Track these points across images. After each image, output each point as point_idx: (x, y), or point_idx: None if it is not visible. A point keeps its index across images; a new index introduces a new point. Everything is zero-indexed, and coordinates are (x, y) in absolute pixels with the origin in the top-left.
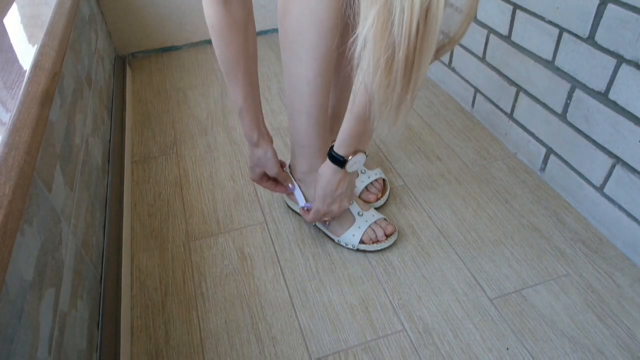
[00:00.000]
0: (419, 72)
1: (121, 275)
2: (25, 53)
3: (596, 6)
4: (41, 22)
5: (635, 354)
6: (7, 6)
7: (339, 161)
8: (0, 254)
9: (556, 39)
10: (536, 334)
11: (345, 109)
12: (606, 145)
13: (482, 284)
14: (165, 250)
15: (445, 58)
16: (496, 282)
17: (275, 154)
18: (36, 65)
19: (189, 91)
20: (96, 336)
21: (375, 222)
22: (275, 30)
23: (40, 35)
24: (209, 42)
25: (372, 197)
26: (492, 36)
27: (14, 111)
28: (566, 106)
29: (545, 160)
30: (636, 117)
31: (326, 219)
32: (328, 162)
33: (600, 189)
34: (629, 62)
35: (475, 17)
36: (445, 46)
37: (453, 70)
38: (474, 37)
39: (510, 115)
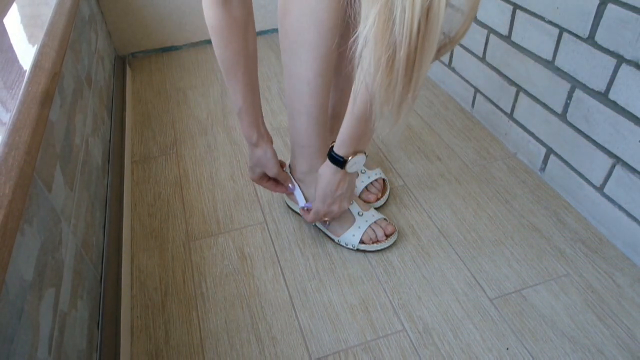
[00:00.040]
0: (420, 72)
1: (121, 275)
2: (25, 53)
3: (596, 6)
4: (41, 22)
5: (635, 354)
6: (7, 6)
7: (339, 162)
8: (0, 254)
9: (556, 39)
10: (536, 334)
11: (346, 109)
12: (606, 145)
13: (482, 284)
14: (165, 250)
15: (445, 58)
16: (496, 282)
17: (274, 154)
18: (36, 65)
19: (189, 91)
20: (96, 336)
21: (375, 222)
22: (275, 30)
23: (40, 35)
24: (209, 42)
25: (372, 197)
26: (492, 36)
27: (14, 111)
28: (566, 106)
29: (545, 160)
30: (636, 117)
31: (326, 219)
32: (328, 162)
33: (600, 189)
34: (629, 62)
35: (475, 17)
36: (447, 45)
37: (453, 70)
38: (474, 37)
39: (510, 115)
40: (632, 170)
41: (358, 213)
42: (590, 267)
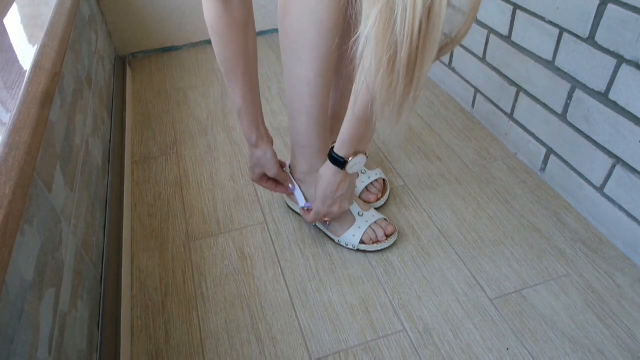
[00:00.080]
0: (421, 71)
1: (121, 275)
2: (25, 53)
3: (596, 6)
4: (41, 22)
5: (635, 354)
6: (7, 6)
7: (339, 162)
8: (0, 254)
9: (556, 39)
10: (536, 334)
11: (346, 109)
12: (606, 145)
13: (482, 284)
14: (165, 250)
15: (445, 58)
16: (496, 282)
17: (274, 154)
18: (36, 65)
19: (189, 91)
20: (96, 336)
21: (375, 222)
22: (275, 30)
23: (40, 35)
24: (209, 42)
25: (372, 197)
26: (492, 36)
27: (14, 111)
28: (566, 106)
29: (545, 160)
30: (636, 117)
31: (326, 219)
32: (328, 163)
33: (600, 189)
34: (629, 62)
35: (476, 17)
36: (448, 45)
37: (453, 70)
38: (474, 37)
39: (510, 115)
40: (632, 170)
41: (358, 213)
42: (590, 267)
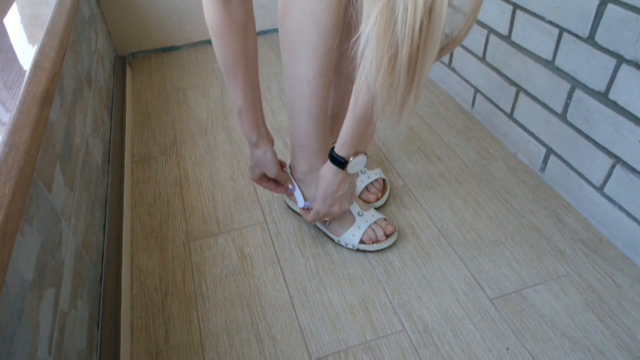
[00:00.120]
0: (422, 71)
1: (121, 275)
2: (25, 53)
3: (596, 6)
4: (41, 22)
5: (635, 354)
6: (7, 6)
7: (340, 162)
8: (0, 254)
9: (556, 39)
10: (536, 334)
11: (346, 109)
12: (606, 145)
13: (482, 284)
14: (165, 250)
15: (445, 58)
16: (496, 282)
17: (274, 155)
18: (36, 65)
19: (189, 91)
20: (96, 336)
21: (375, 222)
22: (275, 30)
23: (40, 35)
24: (209, 42)
25: (372, 197)
26: (492, 36)
27: (14, 111)
28: (566, 106)
29: (545, 160)
30: (636, 117)
31: (326, 219)
32: (329, 163)
33: (600, 189)
34: (629, 62)
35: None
36: (449, 45)
37: (453, 70)
38: (474, 37)
39: (510, 115)
40: (632, 170)
41: (358, 213)
42: (590, 267)
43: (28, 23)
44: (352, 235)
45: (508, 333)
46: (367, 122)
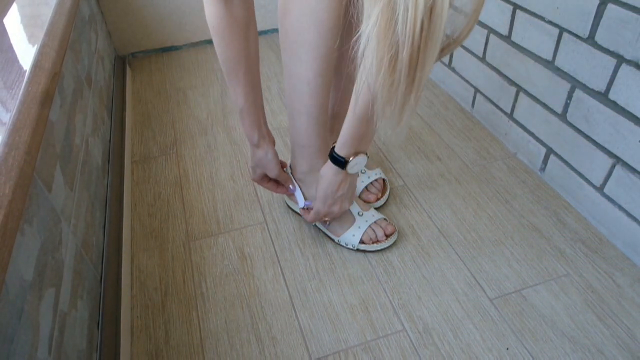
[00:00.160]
0: (423, 72)
1: (121, 275)
2: (25, 53)
3: (596, 6)
4: (41, 22)
5: (635, 354)
6: (7, 6)
7: (340, 162)
8: (0, 254)
9: (556, 39)
10: (536, 334)
11: (346, 109)
12: (606, 145)
13: (482, 284)
14: (165, 250)
15: (446, 58)
16: (496, 282)
17: (276, 155)
18: (36, 65)
19: (189, 91)
20: (96, 336)
21: (375, 222)
22: (275, 30)
23: (40, 35)
24: (209, 42)
25: (372, 197)
26: (492, 36)
27: (14, 111)
28: (566, 106)
29: (545, 160)
30: (636, 117)
31: (326, 219)
32: (329, 163)
33: (600, 189)
34: (629, 62)
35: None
36: (450, 45)
37: (453, 70)
38: (474, 37)
39: (510, 115)
40: (632, 170)
41: (358, 213)
42: (590, 267)
43: (28, 23)
44: (352, 235)
45: (508, 333)
46: (367, 122)
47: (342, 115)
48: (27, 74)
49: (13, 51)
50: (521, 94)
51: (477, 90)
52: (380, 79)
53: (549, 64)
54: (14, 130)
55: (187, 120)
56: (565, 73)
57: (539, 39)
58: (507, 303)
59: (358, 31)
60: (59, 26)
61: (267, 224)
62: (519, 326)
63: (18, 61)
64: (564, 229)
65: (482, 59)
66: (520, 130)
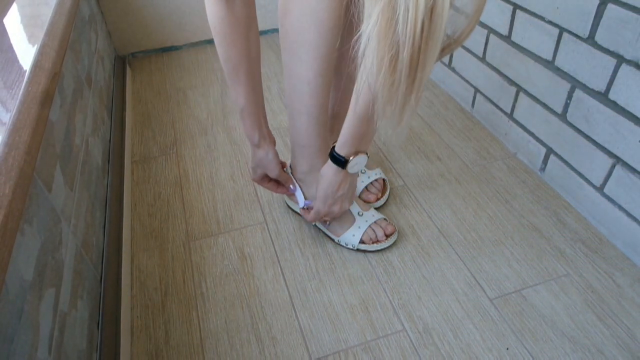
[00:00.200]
0: (423, 72)
1: (121, 275)
2: (25, 53)
3: (596, 6)
4: (41, 22)
5: (635, 354)
6: (7, 6)
7: (340, 161)
8: (0, 254)
9: (556, 39)
10: (536, 334)
11: (346, 109)
12: (606, 145)
13: (482, 284)
14: (165, 250)
15: (446, 58)
16: (496, 282)
17: (276, 155)
18: (36, 65)
19: (189, 91)
20: (96, 336)
21: (375, 222)
22: (275, 30)
23: (40, 35)
24: (209, 42)
25: (372, 197)
26: (492, 36)
27: (14, 111)
28: (566, 106)
29: (545, 160)
30: (636, 117)
31: (326, 219)
32: (329, 162)
33: (600, 189)
34: (629, 62)
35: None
36: (451, 45)
37: (453, 70)
38: (474, 37)
39: (510, 115)
40: (632, 170)
41: (358, 213)
42: (590, 267)
43: (28, 23)
44: (352, 235)
45: (508, 333)
46: (368, 121)
47: (342, 115)
48: (27, 74)
49: (13, 51)
50: (521, 94)
51: (477, 90)
52: (381, 78)
53: (549, 64)
54: (14, 130)
55: (187, 120)
56: (565, 73)
57: (539, 39)
58: (507, 303)
59: (359, 31)
60: (59, 26)
61: (267, 224)
62: (519, 326)
63: (18, 61)
64: (564, 229)
65: (482, 59)
66: (520, 130)
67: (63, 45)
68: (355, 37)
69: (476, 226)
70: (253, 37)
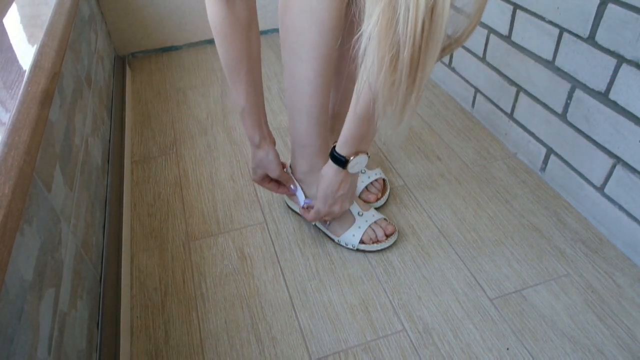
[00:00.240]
0: (424, 72)
1: (121, 275)
2: (25, 53)
3: (596, 6)
4: (41, 22)
5: (636, 354)
6: (7, 6)
7: (341, 162)
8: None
9: (556, 39)
10: (536, 334)
11: (346, 109)
12: (606, 145)
13: (482, 284)
14: (165, 250)
15: (446, 58)
16: (496, 282)
17: (277, 155)
18: (36, 65)
19: (189, 91)
20: (96, 336)
21: (375, 222)
22: (276, 30)
23: (40, 35)
24: (209, 42)
25: (372, 197)
26: (492, 36)
27: (14, 111)
28: (566, 106)
29: (546, 160)
30: (636, 117)
31: (327, 219)
32: (330, 162)
33: (600, 189)
34: (629, 62)
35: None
36: (451, 45)
37: (453, 70)
38: (474, 37)
39: (511, 115)
40: (633, 170)
41: (358, 213)
42: (590, 267)
43: (28, 23)
44: (352, 235)
45: (508, 333)
46: (368, 121)
47: (342, 115)
48: (26, 73)
49: (13, 51)
50: (521, 94)
51: (477, 90)
52: (382, 78)
53: (549, 64)
54: (14, 130)
55: (187, 120)
56: (566, 73)
57: (539, 39)
58: (507, 303)
59: (360, 30)
60: (58, 26)
61: (267, 224)
62: (519, 326)
63: (18, 61)
64: (564, 229)
65: (482, 59)
66: (520, 130)
67: (63, 45)
68: (356, 37)
69: (476, 226)
70: (253, 37)
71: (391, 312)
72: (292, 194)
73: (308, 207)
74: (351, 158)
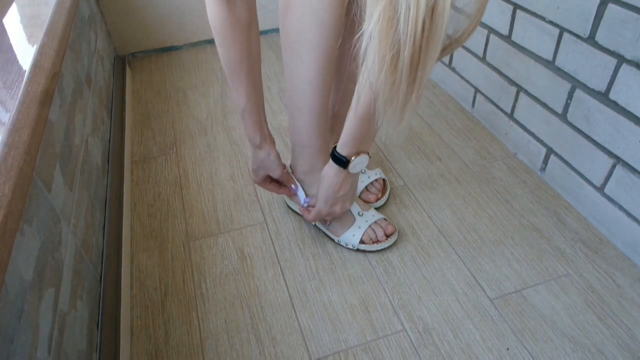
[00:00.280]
0: (424, 71)
1: (121, 275)
2: (25, 53)
3: (596, 6)
4: (41, 22)
5: (636, 354)
6: (7, 6)
7: (342, 162)
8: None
9: (556, 38)
10: (536, 334)
11: (347, 109)
12: (606, 145)
13: (482, 284)
14: (165, 250)
15: (446, 58)
16: (496, 282)
17: (278, 155)
18: (36, 65)
19: (189, 91)
20: (96, 336)
21: (375, 222)
22: (276, 30)
23: (40, 35)
24: (209, 42)
25: (372, 197)
26: (492, 36)
27: (14, 111)
28: (566, 106)
29: (546, 160)
30: (636, 117)
31: (327, 219)
32: (331, 162)
33: (600, 189)
34: (630, 62)
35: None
36: (452, 45)
37: (453, 70)
38: (474, 37)
39: (511, 115)
40: (633, 170)
41: (358, 213)
42: (590, 267)
43: (28, 23)
44: (352, 235)
45: (508, 333)
46: (369, 121)
47: (342, 115)
48: (26, 73)
49: (13, 51)
50: (521, 94)
51: (477, 90)
52: (382, 77)
53: (550, 64)
54: (14, 130)
55: (187, 120)
56: (566, 73)
57: (539, 39)
58: (507, 303)
59: (360, 30)
60: (58, 26)
61: (267, 224)
62: (519, 326)
63: (18, 61)
64: (564, 229)
65: (483, 59)
66: (520, 130)
67: (62, 45)
68: (357, 36)
69: (476, 226)
70: (254, 37)
71: (391, 312)
72: (293, 194)
73: (308, 207)
74: (352, 158)
